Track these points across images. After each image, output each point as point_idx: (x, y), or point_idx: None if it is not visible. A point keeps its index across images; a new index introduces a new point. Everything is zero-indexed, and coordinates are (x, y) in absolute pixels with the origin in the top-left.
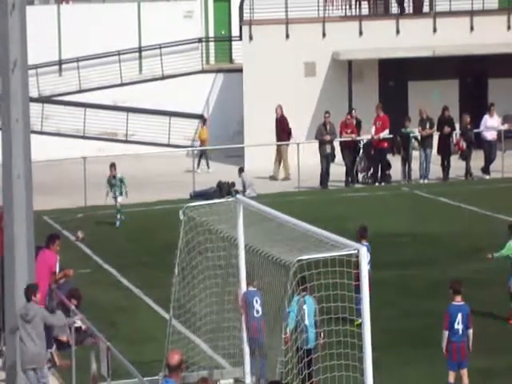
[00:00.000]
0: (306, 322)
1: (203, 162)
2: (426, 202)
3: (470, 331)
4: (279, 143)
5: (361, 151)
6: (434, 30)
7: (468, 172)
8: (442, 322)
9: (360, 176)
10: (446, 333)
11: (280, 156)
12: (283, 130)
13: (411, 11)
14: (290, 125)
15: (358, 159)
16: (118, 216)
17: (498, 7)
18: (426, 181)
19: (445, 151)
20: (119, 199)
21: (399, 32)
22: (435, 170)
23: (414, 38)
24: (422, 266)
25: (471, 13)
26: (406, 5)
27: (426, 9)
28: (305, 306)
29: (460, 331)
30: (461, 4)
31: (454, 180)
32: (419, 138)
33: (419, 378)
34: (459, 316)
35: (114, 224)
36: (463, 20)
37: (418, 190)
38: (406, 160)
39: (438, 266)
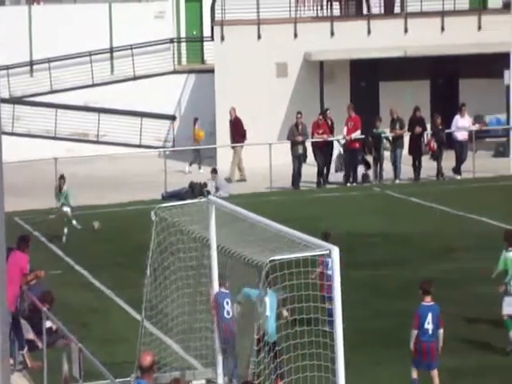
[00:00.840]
0: (268, 313)
1: (196, 162)
2: (397, 203)
3: (441, 331)
4: (243, 144)
5: (341, 150)
6: (406, 31)
7: (439, 172)
8: (412, 322)
9: (339, 175)
10: (415, 332)
11: (235, 157)
12: (238, 132)
13: (382, 12)
14: (264, 125)
15: (336, 158)
16: (66, 231)
17: (468, 8)
18: (397, 181)
19: (416, 151)
20: (68, 211)
21: (370, 32)
22: (406, 170)
23: (385, 39)
24: (394, 266)
25: (442, 13)
26: (376, 5)
27: (397, 9)
28: (267, 299)
29: (430, 331)
30: (432, 4)
31: (425, 180)
32: (390, 138)
33: (391, 378)
34: (429, 316)
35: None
36: (434, 20)
37: (389, 191)
38: (378, 160)
39: (410, 266)
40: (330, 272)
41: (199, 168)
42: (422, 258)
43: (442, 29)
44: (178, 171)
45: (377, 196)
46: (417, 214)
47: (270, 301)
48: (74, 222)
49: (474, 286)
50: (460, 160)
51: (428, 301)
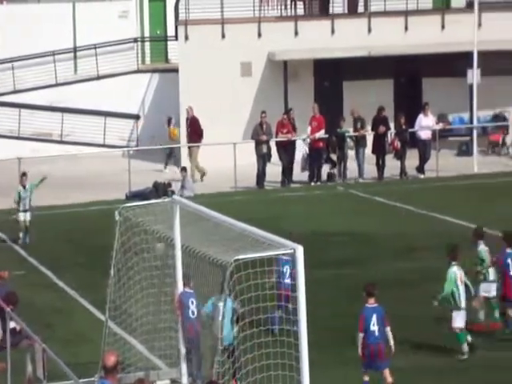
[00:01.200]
0: (225, 320)
1: (170, 161)
2: (361, 202)
3: (388, 329)
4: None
5: (306, 150)
6: (369, 30)
7: (403, 171)
8: (357, 325)
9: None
10: (361, 335)
11: (190, 156)
12: (194, 132)
13: (346, 11)
14: (229, 124)
15: (302, 158)
16: (21, 235)
17: (432, 7)
18: (360, 180)
19: (380, 151)
20: (28, 217)
21: (334, 32)
22: (370, 169)
23: (348, 38)
24: (358, 265)
25: (406, 13)
26: (340, 5)
27: (360, 9)
28: (221, 304)
29: (376, 333)
30: (395, 4)
31: (389, 179)
32: (354, 137)
33: (360, 377)
34: (374, 318)
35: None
36: (398, 20)
37: (353, 190)
38: (342, 159)
39: (374, 265)
40: (287, 281)
41: (165, 167)
42: (386, 257)
43: (406, 28)
44: (142, 171)
45: (341, 195)
46: (380, 213)
47: (228, 305)
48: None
49: (435, 286)
50: (423, 159)
51: (372, 303)
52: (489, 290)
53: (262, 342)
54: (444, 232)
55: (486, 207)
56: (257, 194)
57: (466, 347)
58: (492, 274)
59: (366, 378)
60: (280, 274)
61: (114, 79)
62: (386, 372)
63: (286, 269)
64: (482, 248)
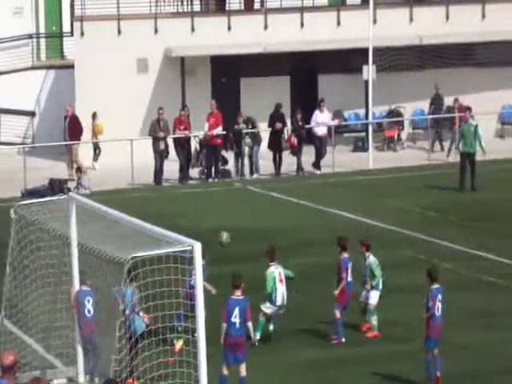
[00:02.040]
0: (128, 311)
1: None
2: (258, 198)
3: (249, 324)
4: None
5: (197, 146)
6: (265, 27)
7: (299, 167)
8: (221, 316)
9: (196, 171)
10: (224, 325)
11: (70, 156)
12: (74, 130)
13: (242, 8)
14: (125, 121)
15: (194, 154)
16: None
17: (328, 4)
18: (255, 176)
19: (276, 147)
20: None
21: (231, 29)
22: (267, 165)
23: (245, 35)
24: (255, 261)
25: (301, 9)
26: (236, 1)
27: (257, 5)
28: (124, 296)
29: (237, 325)
30: (291, 1)
31: (285, 175)
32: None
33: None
34: (236, 310)
35: None
36: (294, 16)
37: (250, 186)
38: (239, 156)
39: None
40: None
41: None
42: (283, 252)
43: (302, 25)
44: (38, 168)
45: (238, 191)
46: (277, 208)
47: (126, 296)
48: None
49: (330, 280)
50: (319, 155)
51: (238, 295)
52: (374, 297)
53: (160, 339)
54: (340, 227)
55: (381, 202)
56: (154, 190)
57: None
58: (381, 284)
59: (225, 371)
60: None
61: (9, 76)
62: (243, 366)
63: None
64: (371, 260)
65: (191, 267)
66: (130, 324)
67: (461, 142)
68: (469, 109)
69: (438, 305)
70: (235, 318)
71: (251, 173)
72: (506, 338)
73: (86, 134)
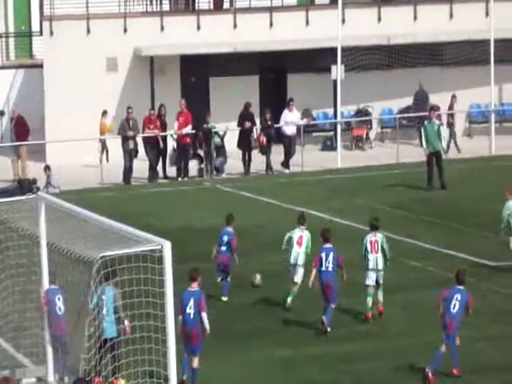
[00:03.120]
0: (104, 311)
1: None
2: (228, 196)
3: (203, 314)
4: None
5: (174, 145)
6: (235, 26)
7: (268, 166)
8: (177, 308)
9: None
10: (180, 317)
11: (18, 156)
12: (21, 131)
13: (212, 7)
14: (95, 120)
15: (171, 153)
16: None
17: (296, 3)
18: (224, 175)
19: (246, 146)
20: None
21: (200, 28)
22: (237, 164)
23: (214, 34)
24: None
25: (271, 9)
26: (206, 0)
27: (226, 5)
28: (104, 297)
29: (191, 315)
30: (260, 0)
31: (255, 174)
32: (222, 133)
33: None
34: (191, 301)
35: None
36: (263, 16)
37: (220, 185)
38: (209, 155)
39: (241, 258)
40: None
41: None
42: (252, 251)
43: (271, 24)
44: (6, 167)
45: (208, 190)
46: (246, 207)
47: (107, 296)
48: None
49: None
50: (288, 154)
51: (194, 287)
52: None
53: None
54: (309, 226)
55: (350, 201)
56: (124, 190)
57: None
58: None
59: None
60: None
61: None
62: (196, 358)
63: None
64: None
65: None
66: (99, 323)
67: (426, 141)
68: (433, 108)
69: (455, 303)
70: (190, 309)
71: (215, 171)
72: (476, 335)
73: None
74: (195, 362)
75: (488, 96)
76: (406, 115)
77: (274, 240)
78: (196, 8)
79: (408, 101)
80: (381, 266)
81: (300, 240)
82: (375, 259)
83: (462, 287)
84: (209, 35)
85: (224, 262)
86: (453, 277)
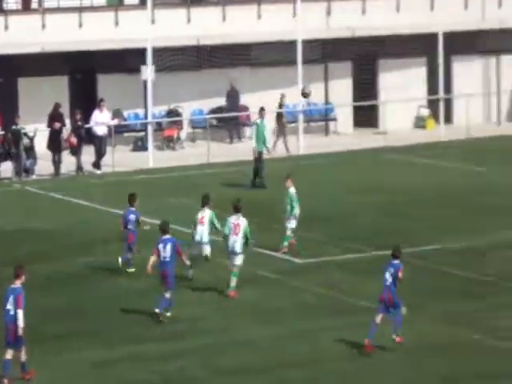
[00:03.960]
0: None
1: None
2: (38, 198)
3: (19, 311)
4: None
5: None
6: (43, 26)
7: (79, 167)
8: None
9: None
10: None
11: None
12: None
13: (20, 7)
14: None
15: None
16: None
17: (106, 4)
18: (34, 177)
19: (56, 147)
20: None
21: (8, 28)
22: (46, 166)
23: (22, 34)
24: (39, 262)
25: (80, 9)
26: (13, 0)
27: (34, 5)
28: None
29: (10, 312)
30: (69, 1)
31: (65, 175)
32: (32, 134)
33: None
34: (11, 298)
35: None
36: (72, 16)
37: (29, 187)
38: (18, 157)
39: (54, 260)
40: None
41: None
42: (66, 252)
43: (80, 25)
44: None
45: (17, 192)
46: (57, 208)
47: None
48: None
49: (114, 278)
50: (99, 155)
51: (17, 283)
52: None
53: None
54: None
55: (163, 201)
56: None
57: None
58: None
59: (8, 356)
60: None
61: None
62: (22, 351)
63: None
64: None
65: None
66: None
67: (256, 140)
68: (264, 108)
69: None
70: (9, 306)
71: (24, 173)
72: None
73: None
74: (23, 357)
75: (297, 96)
76: (216, 115)
77: (84, 241)
78: (4, 8)
79: (218, 101)
80: (239, 249)
81: (202, 220)
82: (234, 241)
83: (396, 261)
84: (17, 35)
85: (131, 239)
86: (260, 273)
